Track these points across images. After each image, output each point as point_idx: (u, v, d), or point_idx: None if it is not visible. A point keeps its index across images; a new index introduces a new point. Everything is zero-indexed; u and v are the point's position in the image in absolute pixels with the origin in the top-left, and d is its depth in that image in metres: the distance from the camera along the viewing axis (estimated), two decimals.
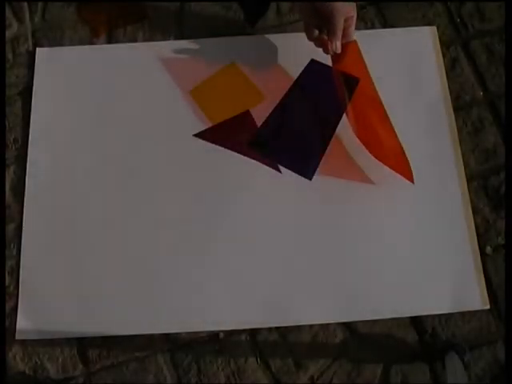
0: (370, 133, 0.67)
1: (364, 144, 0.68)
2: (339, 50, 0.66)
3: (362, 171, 0.69)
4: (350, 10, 0.65)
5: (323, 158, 0.66)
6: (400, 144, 0.67)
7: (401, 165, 0.67)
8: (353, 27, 0.67)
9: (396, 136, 0.67)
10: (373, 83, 0.68)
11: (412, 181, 0.67)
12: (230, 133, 0.72)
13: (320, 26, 0.66)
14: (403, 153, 0.66)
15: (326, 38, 0.66)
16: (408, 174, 0.66)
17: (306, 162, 0.66)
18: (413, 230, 0.68)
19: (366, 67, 0.68)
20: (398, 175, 0.67)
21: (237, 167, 0.70)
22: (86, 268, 0.67)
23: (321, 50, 0.67)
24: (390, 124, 0.67)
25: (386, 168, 0.67)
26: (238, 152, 0.70)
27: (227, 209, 0.69)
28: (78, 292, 0.66)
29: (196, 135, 0.72)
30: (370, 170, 0.69)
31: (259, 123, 0.69)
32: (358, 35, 0.67)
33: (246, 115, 0.72)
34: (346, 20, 0.65)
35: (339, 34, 0.65)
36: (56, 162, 0.72)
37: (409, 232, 0.68)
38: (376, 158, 0.68)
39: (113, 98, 0.74)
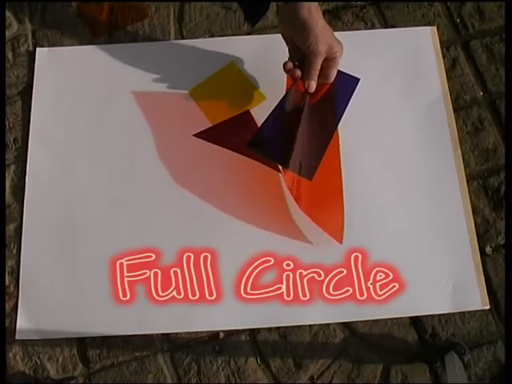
0: (318, 203, 0.66)
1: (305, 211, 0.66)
2: (311, 90, 0.64)
3: None
4: (334, 51, 0.61)
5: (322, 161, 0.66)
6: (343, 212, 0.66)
7: (334, 228, 0.66)
8: (333, 69, 0.63)
9: (342, 206, 0.66)
10: (338, 140, 0.67)
11: (341, 242, 0.66)
12: (229, 133, 0.71)
13: (301, 59, 0.64)
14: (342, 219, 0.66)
15: (299, 74, 0.63)
16: (338, 237, 0.66)
17: (306, 163, 0.66)
18: (412, 231, 0.68)
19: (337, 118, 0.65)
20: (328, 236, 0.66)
21: (237, 167, 0.70)
22: (86, 268, 0.67)
23: None
24: (342, 194, 0.67)
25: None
26: (238, 152, 0.70)
27: (227, 209, 0.69)
28: (77, 292, 0.66)
29: (196, 135, 0.72)
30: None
31: (259, 123, 0.69)
32: (358, 35, 0.65)
33: (246, 115, 0.72)
34: (326, 59, 0.62)
35: (313, 74, 0.62)
36: (56, 162, 0.72)
37: (408, 232, 0.68)
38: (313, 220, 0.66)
39: (113, 98, 0.74)
